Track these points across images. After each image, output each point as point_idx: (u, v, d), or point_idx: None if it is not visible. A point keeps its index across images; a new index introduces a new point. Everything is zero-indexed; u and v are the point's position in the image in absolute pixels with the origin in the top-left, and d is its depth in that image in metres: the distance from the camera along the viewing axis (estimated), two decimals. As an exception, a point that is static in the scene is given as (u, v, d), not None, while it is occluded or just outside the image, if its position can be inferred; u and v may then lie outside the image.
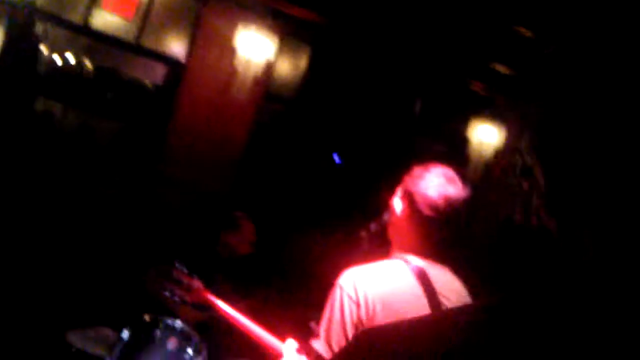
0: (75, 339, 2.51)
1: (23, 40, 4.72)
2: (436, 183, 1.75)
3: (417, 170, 1.83)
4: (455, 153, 5.04)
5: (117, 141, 5.61)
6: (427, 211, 1.74)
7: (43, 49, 5.29)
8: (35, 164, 4.82)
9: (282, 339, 2.04)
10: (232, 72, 4.63)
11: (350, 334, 1.64)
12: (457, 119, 5.28)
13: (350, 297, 1.65)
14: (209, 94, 4.78)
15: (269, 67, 4.87)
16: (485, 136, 5.25)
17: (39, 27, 4.82)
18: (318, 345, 1.67)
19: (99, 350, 2.44)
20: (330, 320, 1.67)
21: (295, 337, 2.03)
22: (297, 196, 4.82)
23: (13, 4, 4.55)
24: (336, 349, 1.64)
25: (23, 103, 5.23)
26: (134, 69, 5.48)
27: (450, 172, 1.81)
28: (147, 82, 5.57)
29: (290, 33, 4.97)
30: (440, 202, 1.73)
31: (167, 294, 2.35)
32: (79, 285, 4.00)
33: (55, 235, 4.41)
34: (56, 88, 5.40)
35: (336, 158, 5.23)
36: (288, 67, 5.31)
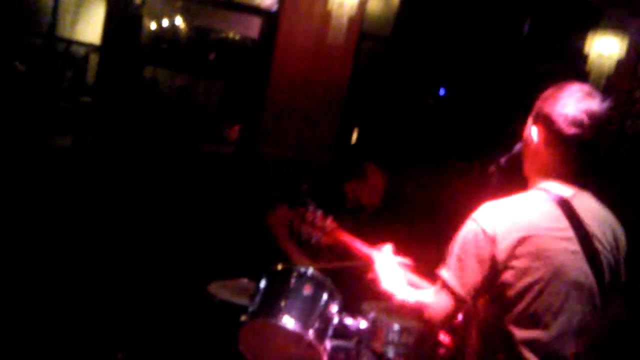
0: (217, 291, 2.67)
1: (124, 11, 4.90)
2: (574, 99, 1.61)
3: (549, 91, 1.69)
4: (573, 71, 4.69)
5: (221, 100, 5.78)
6: (569, 130, 1.60)
7: (143, 18, 5.49)
8: (146, 129, 5.08)
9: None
10: (326, 15, 4.54)
11: (484, 270, 1.59)
12: (573, 34, 4.89)
13: (485, 233, 1.59)
14: (305, 42, 4.73)
15: (363, 5, 4.71)
16: (605, 48, 4.83)
17: (137, -3, 4.97)
18: (446, 274, 1.64)
19: (240, 300, 2.57)
20: (463, 253, 1.62)
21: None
22: (407, 136, 4.71)
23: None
24: (468, 282, 1.60)
25: (131, 73, 5.49)
26: (229, 25, 5.55)
27: (586, 86, 1.66)
28: (243, 37, 5.63)
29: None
30: (583, 117, 1.59)
31: (304, 237, 2.39)
32: (209, 241, 4.23)
33: (172, 194, 4.67)
34: (160, 55, 5.61)
35: (443, 92, 5.03)
36: (381, 2, 5.12)
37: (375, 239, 2.86)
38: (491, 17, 4.85)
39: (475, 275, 1.60)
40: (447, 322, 1.69)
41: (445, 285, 1.64)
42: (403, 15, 5.00)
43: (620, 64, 4.90)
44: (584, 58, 4.87)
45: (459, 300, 1.62)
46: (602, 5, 4.83)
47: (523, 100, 1.87)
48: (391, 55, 5.04)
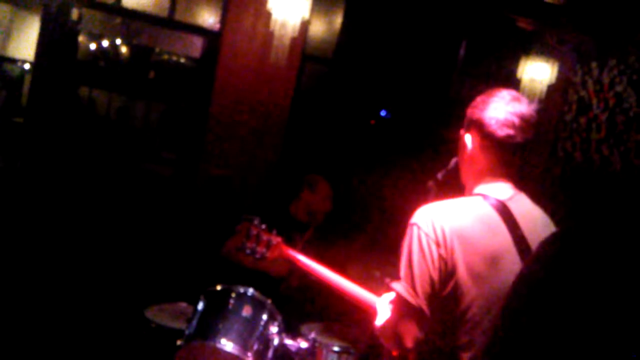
0: (154, 315, 2.57)
1: (60, 27, 4.73)
2: (503, 103, 1.68)
3: (478, 99, 1.75)
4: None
5: (162, 120, 5.65)
6: (502, 131, 1.66)
7: (80, 36, 5.32)
8: (82, 151, 4.91)
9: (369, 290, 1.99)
10: (268, 36, 4.54)
11: (434, 274, 1.58)
12: (506, 59, 5.10)
13: (428, 236, 1.58)
14: (247, 61, 4.71)
15: (305, 27, 4.75)
16: (537, 73, 5.05)
17: (74, 14, 4.82)
18: (399, 286, 1.61)
19: (177, 324, 2.48)
20: (410, 261, 1.60)
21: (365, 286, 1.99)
22: (350, 155, 4.76)
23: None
24: (420, 290, 1.58)
25: (66, 93, 5.29)
26: (170, 45, 5.47)
27: (512, 91, 1.73)
28: (185, 57, 5.55)
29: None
30: (513, 118, 1.65)
31: (247, 252, 2.34)
32: (148, 264, 4.10)
33: (119, 216, 4.51)
34: (97, 74, 5.44)
35: (384, 113, 5.13)
36: (324, 24, 5.19)
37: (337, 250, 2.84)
38: (429, 39, 5.01)
39: (426, 281, 1.58)
40: (415, 344, 1.59)
41: (399, 299, 1.61)
42: (344, 38, 5.09)
43: (551, 89, 5.12)
44: (517, 82, 5.07)
45: (415, 312, 1.58)
46: (533, 32, 5.06)
47: (458, 121, 1.92)
48: (333, 77, 5.11)
